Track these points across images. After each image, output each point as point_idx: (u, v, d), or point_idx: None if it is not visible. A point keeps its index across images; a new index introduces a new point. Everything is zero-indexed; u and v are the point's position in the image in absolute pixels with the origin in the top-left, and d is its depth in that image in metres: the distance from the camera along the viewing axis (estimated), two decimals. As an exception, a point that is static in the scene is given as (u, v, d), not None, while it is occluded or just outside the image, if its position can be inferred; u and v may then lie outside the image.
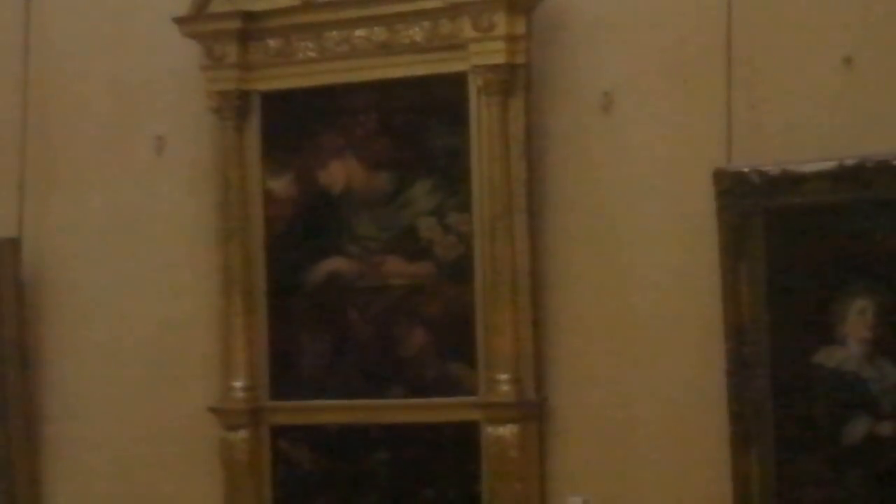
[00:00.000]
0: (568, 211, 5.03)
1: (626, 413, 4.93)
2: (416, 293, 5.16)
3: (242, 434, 5.31)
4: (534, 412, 4.99)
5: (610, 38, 4.98)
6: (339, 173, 5.27)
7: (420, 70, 5.14)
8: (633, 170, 4.93)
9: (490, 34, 4.96)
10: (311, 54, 5.29)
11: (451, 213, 5.12)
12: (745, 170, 4.62)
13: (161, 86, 5.61)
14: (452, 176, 5.10)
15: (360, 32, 5.22)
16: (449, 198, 5.12)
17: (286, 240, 5.34)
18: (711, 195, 4.64)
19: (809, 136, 4.67)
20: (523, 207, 4.97)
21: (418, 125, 5.16)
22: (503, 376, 4.97)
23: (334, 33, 5.24)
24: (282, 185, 5.35)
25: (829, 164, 4.52)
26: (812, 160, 4.55)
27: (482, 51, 4.98)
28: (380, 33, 5.19)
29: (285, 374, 5.33)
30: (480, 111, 5.03)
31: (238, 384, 5.32)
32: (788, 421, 4.56)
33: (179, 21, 5.35)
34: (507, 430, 4.97)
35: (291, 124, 5.33)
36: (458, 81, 5.08)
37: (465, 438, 5.06)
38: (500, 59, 4.95)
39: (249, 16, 5.30)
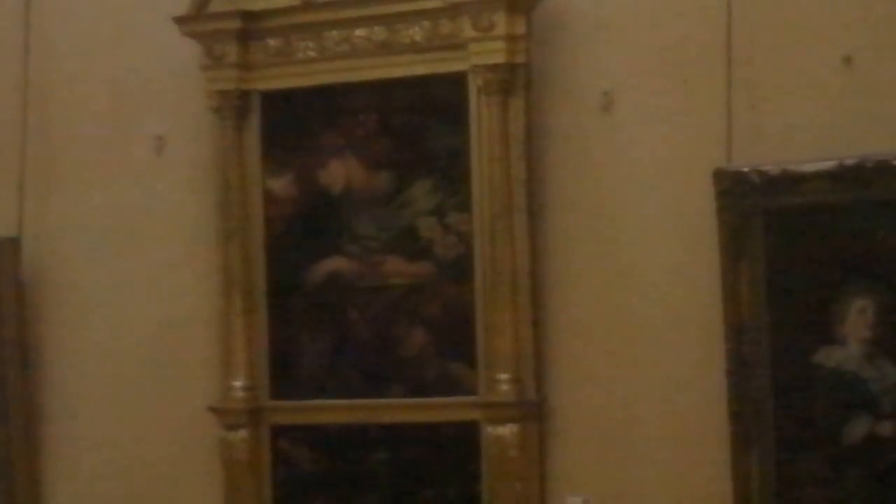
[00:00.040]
0: (568, 211, 5.02)
1: (626, 413, 4.93)
2: (416, 293, 5.16)
3: (242, 434, 5.31)
4: (534, 412, 4.99)
5: (610, 38, 4.98)
6: (339, 173, 5.27)
7: (420, 70, 5.14)
8: (633, 170, 4.93)
9: (490, 34, 4.95)
10: (311, 54, 5.29)
11: (451, 212, 5.11)
12: (745, 169, 4.62)
13: (161, 85, 5.60)
14: (452, 176, 5.10)
15: (359, 32, 5.22)
16: (449, 198, 5.11)
17: (286, 240, 5.33)
18: (711, 195, 4.64)
19: (809, 136, 4.67)
20: (523, 207, 4.97)
21: (418, 125, 5.16)
22: (503, 376, 4.97)
23: (334, 33, 5.24)
24: (282, 184, 5.34)
25: (828, 164, 4.52)
26: (812, 160, 4.55)
27: (482, 50, 4.98)
28: (380, 33, 5.19)
29: (285, 374, 5.33)
30: (480, 111, 5.03)
31: (238, 384, 5.32)
32: (788, 421, 4.56)
33: (179, 20, 5.35)
34: (507, 430, 4.97)
35: (291, 124, 5.33)
36: (458, 81, 5.08)
37: (465, 438, 5.06)
38: (499, 58, 4.95)
39: (249, 15, 5.29)
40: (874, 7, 4.65)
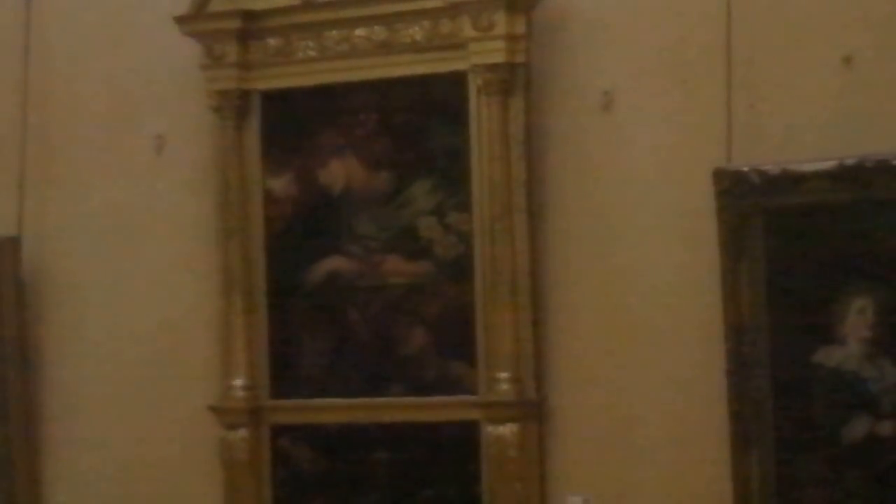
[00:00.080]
0: (568, 211, 5.02)
1: (626, 413, 4.93)
2: (416, 292, 5.16)
3: (242, 433, 5.31)
4: (534, 412, 4.99)
5: (610, 38, 4.98)
6: (338, 172, 5.27)
7: (420, 69, 5.14)
8: (633, 170, 4.93)
9: (490, 33, 4.95)
10: (311, 53, 5.29)
11: (451, 212, 5.11)
12: (745, 169, 4.61)
13: (161, 85, 5.60)
14: (452, 175, 5.10)
15: (360, 32, 5.22)
16: (449, 197, 5.11)
17: (286, 239, 5.33)
18: (711, 195, 4.64)
19: (809, 136, 4.67)
20: (523, 207, 4.97)
21: (418, 125, 5.16)
22: (503, 375, 4.97)
23: (334, 32, 5.24)
24: (282, 184, 5.34)
25: (828, 164, 4.51)
26: (812, 160, 4.55)
27: (482, 50, 4.98)
28: (380, 32, 5.19)
29: (285, 374, 5.33)
30: (480, 110, 5.03)
31: (238, 383, 5.32)
32: (788, 421, 4.55)
33: (179, 20, 5.35)
34: (506, 430, 4.97)
35: (291, 123, 5.33)
36: (457, 81, 5.07)
37: (464, 438, 5.06)
38: (499, 58, 4.95)
39: (249, 15, 5.29)
40: (874, 7, 4.65)
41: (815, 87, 4.72)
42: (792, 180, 4.55)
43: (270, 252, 5.32)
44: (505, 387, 4.96)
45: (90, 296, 5.69)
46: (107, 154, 5.70)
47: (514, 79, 4.98)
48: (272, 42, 5.33)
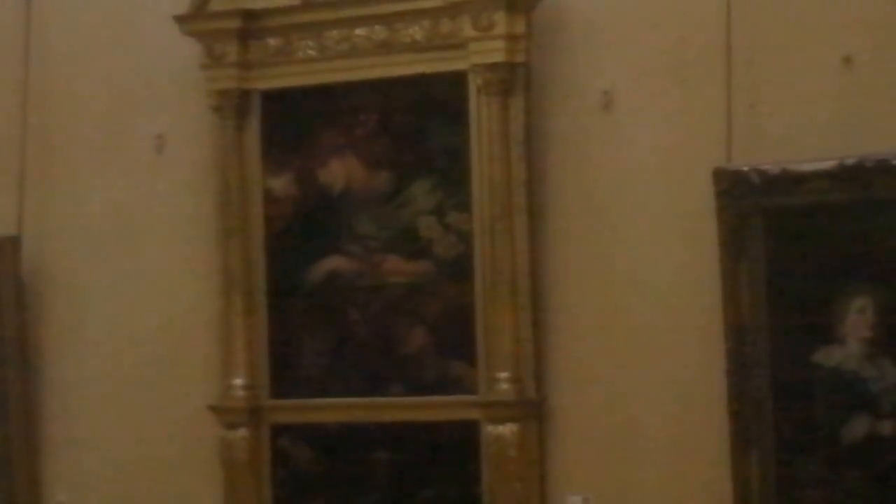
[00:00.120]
0: (568, 211, 5.02)
1: (626, 412, 4.93)
2: (416, 292, 5.16)
3: (242, 433, 5.31)
4: (533, 411, 4.99)
5: (610, 38, 4.98)
6: (338, 172, 5.28)
7: (420, 69, 5.13)
8: (633, 170, 4.93)
9: (490, 33, 4.96)
10: (311, 53, 5.29)
11: (451, 212, 5.12)
12: (745, 169, 4.62)
13: (161, 85, 5.61)
14: (452, 175, 5.10)
15: (360, 31, 5.22)
16: (448, 197, 5.12)
17: (286, 239, 5.34)
18: (711, 195, 4.64)
19: (809, 136, 4.67)
20: (523, 207, 4.97)
21: (418, 124, 5.16)
22: (503, 375, 4.97)
23: (334, 32, 5.25)
24: (282, 184, 5.35)
25: (828, 164, 4.51)
26: (812, 160, 4.55)
27: (482, 50, 4.98)
28: (380, 32, 5.19)
29: (285, 373, 5.33)
30: (480, 110, 5.03)
31: (238, 383, 5.32)
32: (788, 421, 4.55)
33: (179, 19, 5.35)
34: (506, 429, 4.97)
35: (291, 123, 5.33)
36: (457, 80, 5.08)
37: (464, 437, 5.06)
38: (499, 58, 4.96)
39: (249, 14, 5.30)
40: (874, 7, 4.65)
41: (815, 87, 4.72)
42: (792, 180, 4.55)
43: (270, 252, 5.33)
44: (505, 386, 4.96)
45: (90, 296, 5.70)
46: (107, 154, 5.70)
47: (514, 78, 4.98)
48: (272, 42, 5.34)
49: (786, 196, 4.57)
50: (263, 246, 5.34)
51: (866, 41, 4.65)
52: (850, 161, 4.48)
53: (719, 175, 4.63)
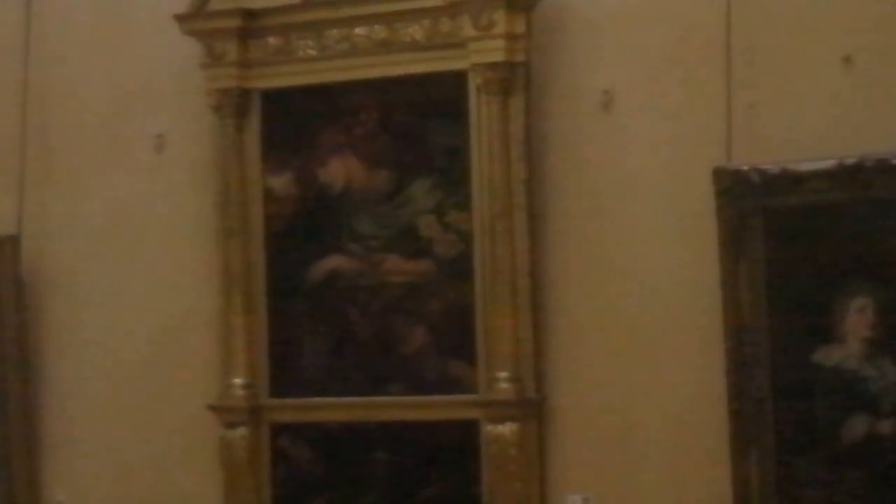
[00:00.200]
0: (568, 210, 5.02)
1: (626, 412, 4.93)
2: (416, 291, 5.16)
3: (242, 432, 5.31)
4: (533, 411, 4.99)
5: (609, 37, 4.98)
6: (338, 171, 5.28)
7: (420, 68, 5.14)
8: (633, 170, 4.93)
9: (490, 32, 4.96)
10: (311, 52, 5.29)
11: (451, 211, 5.12)
12: (745, 168, 4.62)
13: (161, 84, 5.60)
14: (452, 174, 5.10)
15: (360, 30, 5.22)
16: (448, 196, 5.12)
17: (286, 238, 5.34)
18: (711, 194, 4.65)
19: (809, 136, 4.67)
20: (523, 207, 4.97)
21: (418, 124, 5.16)
22: (503, 374, 4.97)
23: (334, 31, 5.25)
24: (282, 183, 5.34)
25: (828, 164, 4.52)
26: (811, 159, 4.55)
27: (482, 49, 4.98)
28: (380, 31, 5.19)
29: (285, 372, 5.33)
30: (480, 109, 5.03)
31: (238, 382, 5.32)
32: (788, 421, 4.56)
33: (179, 19, 5.35)
34: (506, 429, 4.97)
35: (291, 122, 5.33)
36: (457, 80, 5.08)
37: (464, 437, 5.06)
38: (499, 57, 4.96)
39: (249, 13, 5.30)
40: (874, 7, 4.65)
41: (815, 87, 4.72)
42: (792, 180, 4.55)
43: (270, 252, 5.33)
44: (505, 386, 4.96)
45: (90, 296, 5.69)
46: (107, 154, 5.70)
47: (514, 78, 4.98)
48: (272, 41, 5.34)
49: (786, 196, 4.57)
50: (263, 246, 5.34)
51: (866, 41, 4.65)
52: (849, 161, 4.49)
53: (719, 175, 4.63)
